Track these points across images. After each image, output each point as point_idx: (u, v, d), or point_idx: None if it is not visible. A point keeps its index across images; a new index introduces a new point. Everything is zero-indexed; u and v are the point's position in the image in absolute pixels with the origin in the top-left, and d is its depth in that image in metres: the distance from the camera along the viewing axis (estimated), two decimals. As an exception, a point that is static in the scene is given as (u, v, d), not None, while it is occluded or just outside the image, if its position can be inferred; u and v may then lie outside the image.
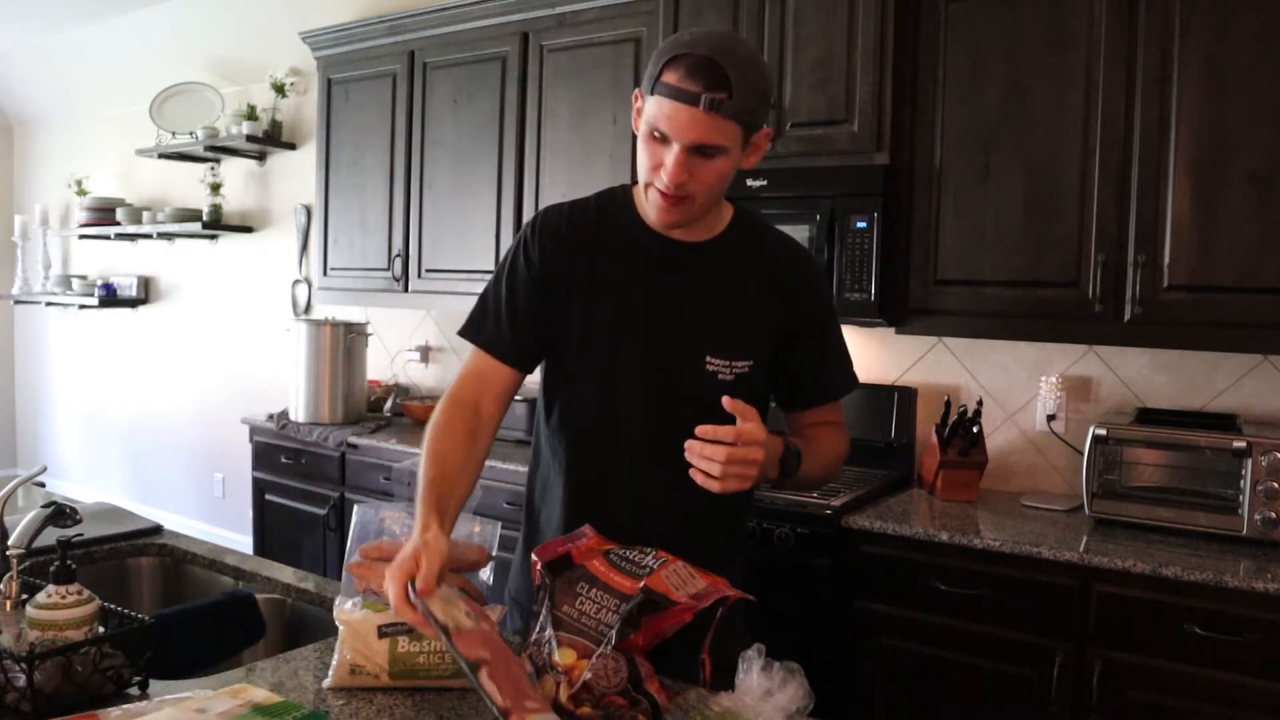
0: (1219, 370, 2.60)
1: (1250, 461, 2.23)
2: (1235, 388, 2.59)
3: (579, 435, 1.53)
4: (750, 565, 1.68)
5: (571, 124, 3.36)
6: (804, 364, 1.53)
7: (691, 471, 1.28)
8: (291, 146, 4.84)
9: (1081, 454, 2.47)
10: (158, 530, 2.10)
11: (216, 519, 5.35)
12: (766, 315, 1.48)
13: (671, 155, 1.32)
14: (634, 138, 1.44)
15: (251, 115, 4.71)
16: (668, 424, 1.44)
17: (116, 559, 2.01)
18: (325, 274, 4.19)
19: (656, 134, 1.33)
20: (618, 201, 1.52)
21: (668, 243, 1.47)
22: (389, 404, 4.13)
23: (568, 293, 1.49)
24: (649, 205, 1.41)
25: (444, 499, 1.34)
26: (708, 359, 1.45)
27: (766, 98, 1.37)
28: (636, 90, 1.40)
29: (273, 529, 3.95)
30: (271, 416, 3.97)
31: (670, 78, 1.30)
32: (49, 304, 6.12)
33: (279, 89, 4.72)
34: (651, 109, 1.33)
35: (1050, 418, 2.80)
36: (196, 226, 4.99)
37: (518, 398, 1.64)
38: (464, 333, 1.55)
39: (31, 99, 6.39)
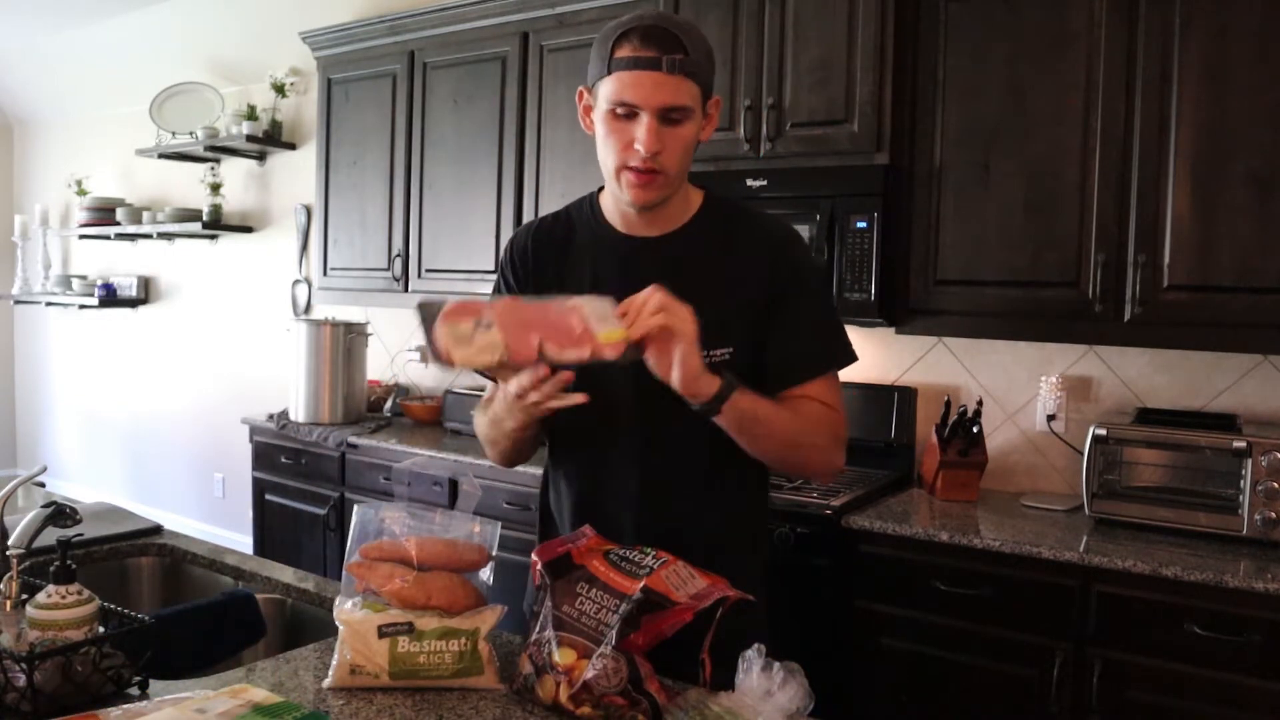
0: (1219, 370, 2.60)
1: (1250, 461, 2.23)
2: (1235, 388, 2.59)
3: (575, 442, 1.53)
4: (767, 568, 1.66)
5: (571, 124, 3.35)
6: (775, 341, 1.46)
7: (631, 331, 1.24)
8: (291, 146, 4.84)
9: (1081, 454, 2.47)
10: (158, 530, 2.10)
11: (216, 519, 5.35)
12: (744, 299, 1.45)
13: (642, 126, 1.33)
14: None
15: (251, 115, 4.71)
16: (656, 421, 1.44)
17: (116, 559, 2.00)
18: (325, 274, 4.19)
19: (621, 110, 1.34)
20: (585, 208, 1.53)
21: (634, 240, 1.47)
22: (389, 404, 4.13)
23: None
24: (623, 190, 1.39)
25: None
26: None
27: (713, 58, 1.41)
28: (581, 89, 1.42)
29: (273, 529, 3.95)
30: (271, 416, 3.97)
31: (625, 51, 1.33)
32: (49, 304, 6.12)
33: (279, 89, 4.72)
34: (611, 88, 1.34)
35: (1050, 418, 2.80)
36: (196, 226, 4.99)
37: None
38: None
39: (31, 99, 6.39)
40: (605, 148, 1.38)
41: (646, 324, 1.24)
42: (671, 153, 1.35)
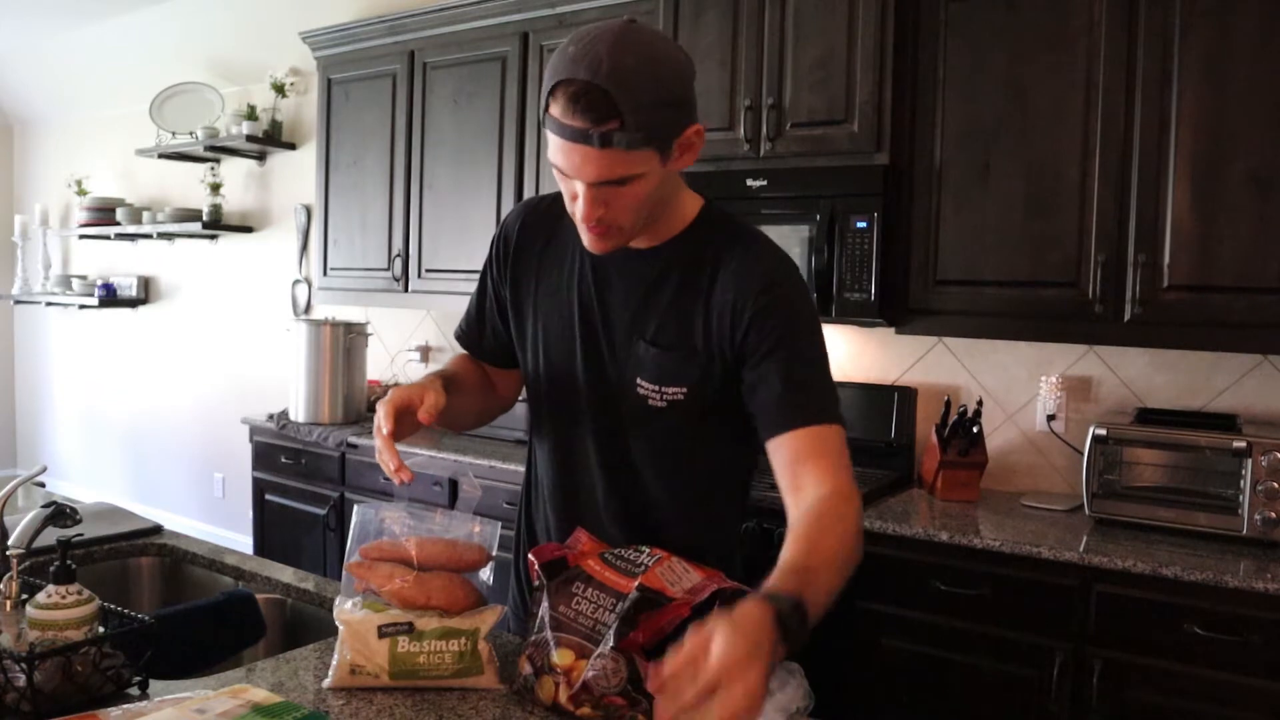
0: (1219, 370, 2.60)
1: (1250, 461, 2.23)
2: (1235, 388, 2.59)
3: (547, 447, 1.50)
4: (750, 565, 1.66)
5: (571, 124, 3.35)
6: (756, 391, 1.28)
7: None
8: (291, 146, 4.84)
9: (1081, 454, 2.47)
10: (158, 530, 2.09)
11: (216, 519, 5.35)
12: (709, 337, 1.31)
13: (580, 193, 1.20)
14: None
15: (251, 115, 4.71)
16: (614, 440, 1.40)
17: (116, 559, 2.00)
18: (325, 274, 4.19)
19: (558, 169, 1.21)
20: None
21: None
22: (389, 404, 4.12)
23: (523, 295, 1.46)
24: (580, 234, 1.28)
25: (450, 382, 1.40)
26: (638, 382, 1.34)
27: (673, 103, 1.18)
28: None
29: (273, 529, 3.95)
30: (271, 416, 3.97)
31: (555, 110, 1.15)
32: (49, 304, 6.12)
33: (279, 89, 4.72)
34: (549, 141, 1.19)
35: (1050, 418, 2.80)
36: (196, 226, 4.99)
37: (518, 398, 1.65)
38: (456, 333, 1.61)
39: (31, 99, 6.39)
40: (559, 186, 1.27)
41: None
42: (619, 211, 1.22)
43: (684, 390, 1.32)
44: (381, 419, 1.28)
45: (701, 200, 1.38)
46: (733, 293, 1.29)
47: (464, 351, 1.59)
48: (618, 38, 1.14)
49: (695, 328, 1.32)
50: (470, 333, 1.57)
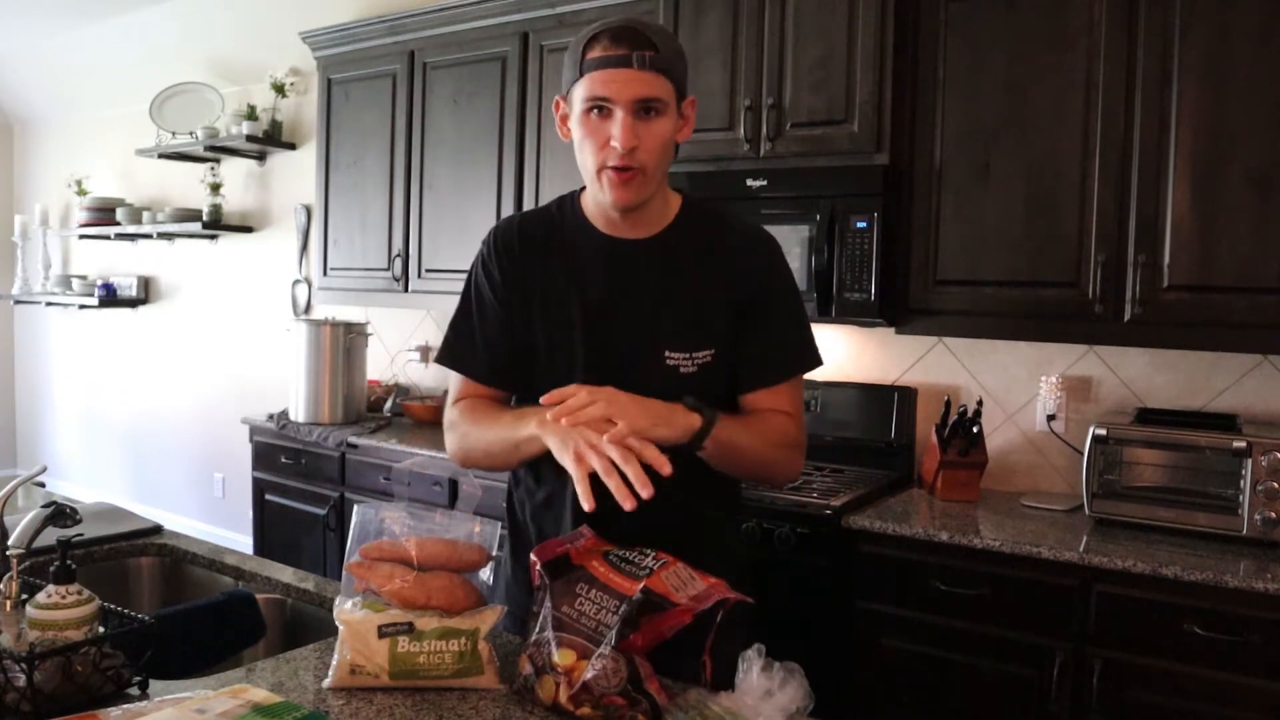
0: (1219, 370, 2.60)
1: (1250, 461, 2.23)
2: (1235, 388, 2.59)
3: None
4: (750, 565, 1.67)
5: (571, 124, 3.35)
6: (747, 345, 1.50)
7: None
8: (291, 146, 4.84)
9: (1081, 454, 2.47)
10: (158, 530, 2.09)
11: (216, 519, 5.35)
12: (721, 301, 1.48)
13: (617, 122, 1.36)
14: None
15: (251, 115, 4.71)
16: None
17: (116, 559, 2.00)
18: (325, 274, 4.19)
19: (596, 108, 1.37)
20: (566, 208, 1.54)
21: (616, 242, 1.49)
22: (389, 404, 4.13)
23: (528, 303, 1.51)
24: (603, 191, 1.41)
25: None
26: (667, 353, 1.45)
27: (684, 56, 1.43)
28: (557, 98, 1.45)
29: (273, 529, 3.95)
30: (271, 416, 3.97)
31: (596, 52, 1.36)
32: (49, 304, 6.12)
33: (279, 89, 4.72)
34: (585, 88, 1.37)
35: (1050, 418, 2.80)
36: (196, 226, 4.99)
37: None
38: (441, 359, 1.57)
39: (31, 99, 6.39)
40: (584, 150, 1.40)
41: (587, 415, 1.28)
42: (648, 149, 1.38)
43: (712, 352, 1.47)
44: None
45: (681, 195, 1.54)
46: (735, 252, 1.50)
47: (458, 377, 1.56)
48: (631, 15, 1.39)
49: (710, 292, 1.47)
50: (483, 361, 1.54)
